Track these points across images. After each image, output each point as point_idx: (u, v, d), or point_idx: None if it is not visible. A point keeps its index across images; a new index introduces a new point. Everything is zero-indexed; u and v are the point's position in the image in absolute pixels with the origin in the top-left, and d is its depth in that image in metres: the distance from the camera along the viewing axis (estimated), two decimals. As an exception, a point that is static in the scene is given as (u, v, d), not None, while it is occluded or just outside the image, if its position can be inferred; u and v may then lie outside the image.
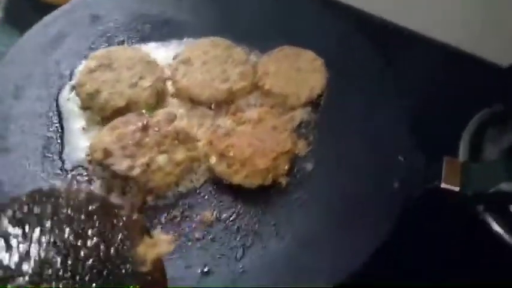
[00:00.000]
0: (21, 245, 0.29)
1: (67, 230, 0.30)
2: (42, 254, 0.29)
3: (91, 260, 0.30)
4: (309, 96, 0.62)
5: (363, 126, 0.59)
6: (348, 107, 0.62)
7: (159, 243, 0.32)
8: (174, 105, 0.60)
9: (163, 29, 0.69)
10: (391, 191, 0.53)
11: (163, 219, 0.51)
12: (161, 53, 0.65)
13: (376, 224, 0.50)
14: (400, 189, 0.53)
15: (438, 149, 0.58)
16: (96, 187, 0.51)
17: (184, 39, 0.68)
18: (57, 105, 0.58)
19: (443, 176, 0.52)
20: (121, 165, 0.50)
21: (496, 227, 0.59)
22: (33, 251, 0.29)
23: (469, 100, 0.76)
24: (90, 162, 0.53)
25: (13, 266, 0.29)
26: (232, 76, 0.61)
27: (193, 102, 0.60)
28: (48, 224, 0.30)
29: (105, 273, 0.29)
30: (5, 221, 0.30)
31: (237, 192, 0.54)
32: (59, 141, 0.56)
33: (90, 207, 0.31)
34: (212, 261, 0.48)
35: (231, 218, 0.52)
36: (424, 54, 0.84)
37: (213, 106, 0.60)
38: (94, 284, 0.29)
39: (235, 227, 0.51)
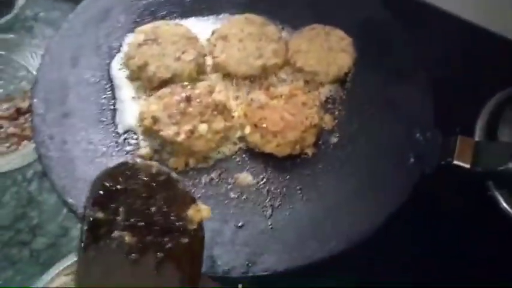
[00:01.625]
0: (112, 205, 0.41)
1: (143, 194, 0.41)
2: (128, 211, 0.41)
3: (158, 216, 0.41)
4: (337, 74, 0.66)
5: (385, 103, 0.64)
6: (371, 84, 0.66)
7: (202, 210, 0.42)
8: (212, 79, 0.65)
9: (201, 5, 0.73)
10: (407, 165, 0.58)
11: (203, 180, 0.58)
12: (200, 28, 0.70)
13: (392, 194, 0.56)
14: (415, 164, 0.58)
15: (455, 128, 0.63)
16: (146, 150, 0.59)
17: (221, 15, 0.72)
18: (109, 75, 0.65)
19: (456, 153, 0.57)
20: (168, 131, 0.56)
21: (504, 204, 0.64)
22: (121, 209, 0.41)
23: (490, 80, 0.79)
24: (139, 127, 0.60)
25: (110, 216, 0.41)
26: (266, 53, 0.66)
27: (230, 76, 0.65)
28: (131, 188, 0.41)
29: (166, 227, 0.41)
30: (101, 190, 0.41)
31: (268, 159, 0.60)
32: (111, 107, 0.62)
33: (159, 178, 0.42)
34: (245, 218, 0.55)
35: (262, 182, 0.58)
36: (449, 33, 0.86)
37: (248, 81, 0.65)
38: (159, 236, 0.41)
39: (266, 189, 0.58)
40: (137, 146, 0.59)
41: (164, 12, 0.72)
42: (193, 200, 0.43)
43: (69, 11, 0.69)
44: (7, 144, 0.77)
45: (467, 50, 0.83)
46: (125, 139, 0.60)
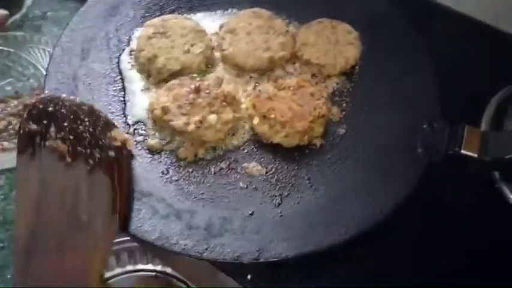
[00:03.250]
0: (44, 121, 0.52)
1: (71, 117, 0.51)
2: (58, 127, 0.51)
3: (86, 134, 0.51)
4: (343, 66, 0.67)
5: (392, 95, 0.65)
6: (378, 77, 0.67)
7: (123, 134, 0.53)
8: (221, 71, 0.66)
9: (209, 0, 0.74)
10: (415, 155, 0.58)
11: (212, 170, 0.58)
12: (208, 22, 0.71)
13: (399, 183, 0.56)
14: (423, 154, 0.58)
15: (462, 119, 0.62)
16: (155, 140, 0.59)
17: (229, 10, 0.73)
18: (118, 67, 0.65)
19: (463, 143, 0.57)
20: (178, 121, 0.57)
21: (510, 195, 0.65)
22: (52, 125, 0.51)
23: (496, 75, 0.79)
24: (149, 118, 0.61)
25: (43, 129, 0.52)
26: (274, 46, 0.67)
27: (239, 68, 0.66)
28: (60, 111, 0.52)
29: (94, 142, 0.51)
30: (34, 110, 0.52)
31: (276, 150, 0.60)
32: (121, 99, 0.63)
33: (83, 107, 0.52)
34: (255, 206, 0.55)
35: (271, 171, 0.59)
36: (454, 28, 0.87)
37: (255, 73, 0.66)
38: (88, 149, 0.50)
39: (275, 179, 0.58)
40: (147, 137, 0.60)
41: (173, 7, 0.73)
42: (114, 125, 0.52)
43: (77, 10, 0.70)
44: (15, 141, 0.78)
45: (474, 45, 0.84)
46: (135, 129, 0.61)
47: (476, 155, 0.57)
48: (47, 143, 0.49)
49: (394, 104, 0.64)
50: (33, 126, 0.50)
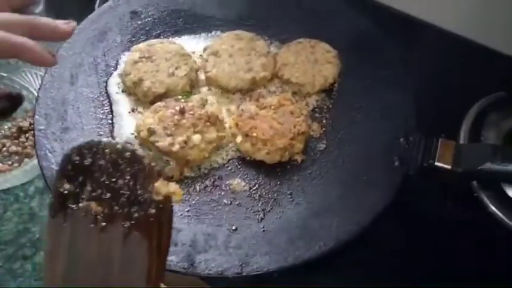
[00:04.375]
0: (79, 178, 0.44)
1: (109, 170, 0.44)
2: (94, 184, 0.44)
3: (124, 189, 0.43)
4: (322, 84, 0.69)
5: (370, 110, 0.67)
6: (357, 93, 0.69)
7: (170, 185, 0.44)
8: (205, 92, 0.69)
9: (193, 23, 0.77)
10: (392, 167, 0.61)
11: (197, 188, 0.61)
12: (192, 45, 0.74)
13: (377, 195, 0.58)
14: (399, 167, 0.60)
15: (441, 130, 0.65)
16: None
17: (212, 32, 0.76)
18: (106, 91, 0.68)
19: (437, 155, 0.59)
20: (163, 142, 0.59)
21: (489, 205, 0.67)
22: (88, 182, 0.43)
23: (473, 87, 0.82)
24: (136, 138, 0.63)
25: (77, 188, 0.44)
26: (255, 67, 0.69)
27: (222, 89, 0.69)
28: (98, 163, 0.44)
29: (133, 199, 0.43)
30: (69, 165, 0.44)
31: (259, 166, 0.63)
32: (109, 121, 0.65)
33: (125, 155, 0.44)
34: (238, 222, 0.57)
35: (254, 187, 0.61)
36: (432, 43, 0.90)
37: (238, 93, 0.69)
38: (126, 207, 0.43)
39: (258, 195, 0.60)
40: (134, 157, 0.62)
41: (158, 32, 0.75)
42: (159, 175, 0.45)
43: None
44: (9, 162, 0.80)
45: (450, 59, 0.87)
46: (123, 151, 0.63)
47: (449, 167, 0.59)
48: (81, 205, 0.43)
49: (372, 119, 0.66)
50: (67, 186, 0.44)
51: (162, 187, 0.44)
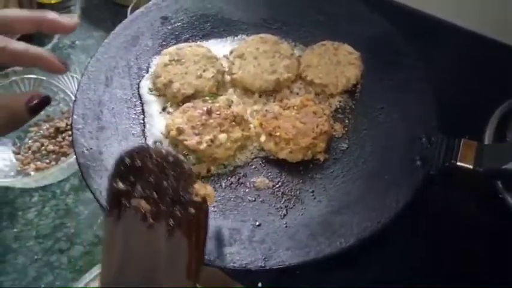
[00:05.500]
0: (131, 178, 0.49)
1: (156, 171, 0.48)
2: (144, 184, 0.48)
3: (169, 190, 0.48)
4: (345, 85, 0.71)
5: (392, 110, 0.68)
6: (379, 94, 0.70)
7: (206, 187, 0.49)
8: (231, 93, 0.72)
9: (220, 27, 0.80)
10: (414, 167, 0.61)
11: (223, 184, 0.63)
12: (219, 48, 0.77)
13: (397, 194, 0.59)
14: (421, 166, 0.61)
15: (465, 131, 0.65)
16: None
17: (238, 36, 0.79)
18: (138, 93, 0.72)
19: (459, 155, 0.60)
20: (192, 140, 0.62)
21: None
22: (138, 182, 0.48)
23: (498, 89, 0.81)
24: (166, 138, 0.66)
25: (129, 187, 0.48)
26: (279, 68, 0.72)
27: (247, 90, 0.71)
28: (146, 166, 0.49)
29: (176, 199, 0.48)
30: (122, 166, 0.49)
31: (282, 165, 0.65)
32: (141, 121, 0.68)
33: (168, 159, 0.49)
34: (262, 218, 0.59)
35: (277, 185, 0.63)
36: (456, 44, 0.90)
37: (263, 94, 0.71)
38: (171, 206, 0.47)
39: (281, 192, 0.63)
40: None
41: (187, 36, 0.78)
42: (197, 177, 0.50)
43: (102, 39, 0.76)
44: (47, 161, 0.85)
45: (477, 59, 0.86)
46: (153, 149, 0.66)
47: (471, 167, 0.59)
48: (132, 203, 0.47)
49: (393, 120, 0.67)
50: (120, 185, 0.48)
51: (201, 189, 0.48)
